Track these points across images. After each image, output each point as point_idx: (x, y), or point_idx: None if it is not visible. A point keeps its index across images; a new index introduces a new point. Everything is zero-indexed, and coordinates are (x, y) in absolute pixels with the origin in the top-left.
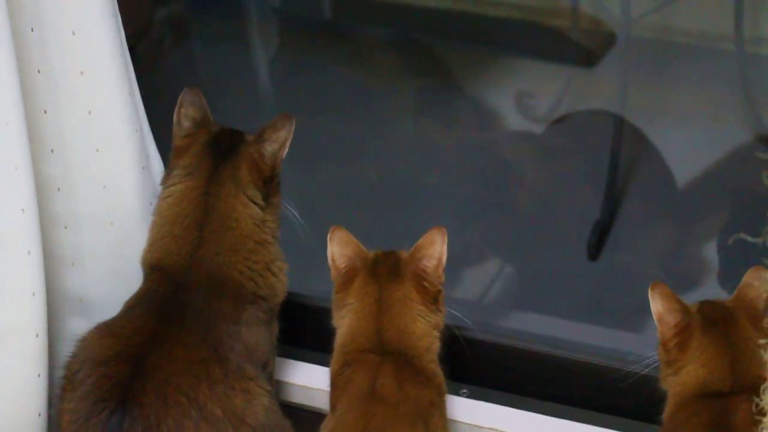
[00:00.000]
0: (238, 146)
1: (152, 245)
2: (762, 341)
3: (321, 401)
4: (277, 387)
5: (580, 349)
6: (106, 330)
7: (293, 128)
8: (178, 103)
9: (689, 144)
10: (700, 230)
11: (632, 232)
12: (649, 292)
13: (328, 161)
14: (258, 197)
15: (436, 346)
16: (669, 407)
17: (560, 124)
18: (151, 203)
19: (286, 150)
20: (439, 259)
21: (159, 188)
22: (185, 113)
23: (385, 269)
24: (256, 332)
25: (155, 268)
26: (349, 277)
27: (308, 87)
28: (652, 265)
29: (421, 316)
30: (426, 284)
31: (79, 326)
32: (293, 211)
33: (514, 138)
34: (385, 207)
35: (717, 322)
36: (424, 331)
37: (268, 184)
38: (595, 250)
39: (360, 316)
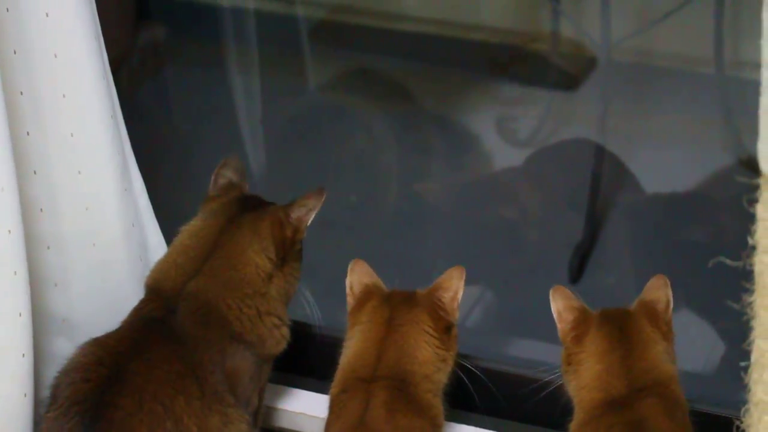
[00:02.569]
0: (266, 205)
1: (154, 271)
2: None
3: (310, 427)
4: (266, 413)
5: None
6: (92, 342)
7: (323, 200)
8: (220, 164)
9: (670, 167)
10: (679, 252)
11: (613, 254)
12: (551, 293)
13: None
14: (272, 252)
15: (438, 378)
16: (577, 416)
17: (541, 148)
18: (133, 225)
19: (312, 217)
20: (455, 293)
21: (141, 210)
22: (224, 173)
23: (399, 297)
24: (241, 368)
25: (151, 290)
26: (363, 300)
27: (288, 112)
28: (633, 287)
29: (427, 343)
30: (441, 313)
31: (62, 347)
32: (308, 297)
33: (495, 161)
34: (365, 231)
35: (613, 319)
36: (427, 357)
37: (289, 247)
38: (576, 272)
39: (366, 337)
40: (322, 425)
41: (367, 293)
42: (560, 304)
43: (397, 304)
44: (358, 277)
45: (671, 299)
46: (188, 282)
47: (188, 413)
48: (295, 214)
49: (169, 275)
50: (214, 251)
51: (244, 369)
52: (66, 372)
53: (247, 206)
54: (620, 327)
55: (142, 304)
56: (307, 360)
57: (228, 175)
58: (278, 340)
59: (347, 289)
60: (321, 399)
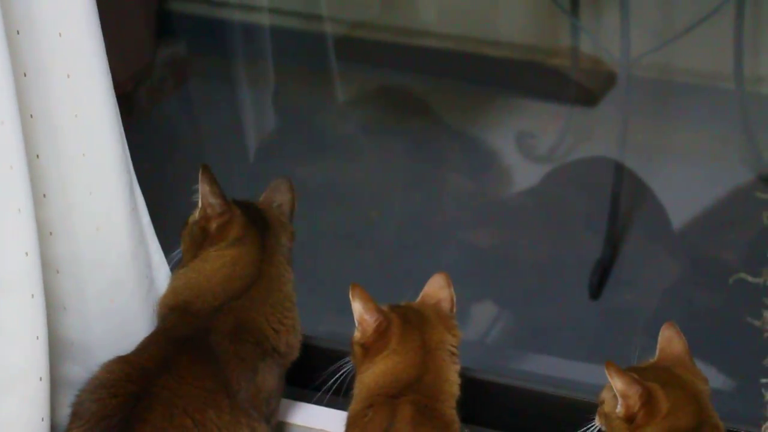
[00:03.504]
0: (264, 215)
1: (176, 292)
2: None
3: None
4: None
5: (583, 389)
6: (117, 361)
7: (294, 188)
8: (204, 180)
9: (689, 182)
10: (699, 269)
11: (633, 271)
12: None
13: (328, 201)
14: (291, 259)
15: (458, 393)
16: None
17: (560, 165)
18: (140, 244)
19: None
20: (452, 302)
21: (145, 228)
22: (211, 190)
23: (413, 316)
24: (270, 382)
25: (176, 310)
26: (382, 326)
27: (307, 128)
28: (654, 304)
29: (453, 363)
30: (453, 329)
31: (71, 370)
32: None
33: (514, 177)
34: (385, 247)
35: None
36: (455, 378)
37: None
38: (596, 289)
39: (404, 360)
40: None
41: (385, 319)
42: (620, 384)
43: (421, 326)
44: (364, 303)
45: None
46: (228, 302)
47: (218, 426)
48: (287, 213)
49: (204, 299)
50: (260, 278)
51: (273, 382)
52: (90, 390)
53: (257, 224)
54: (683, 387)
55: (171, 323)
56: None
57: (217, 191)
58: (300, 345)
59: (357, 317)
60: (321, 411)
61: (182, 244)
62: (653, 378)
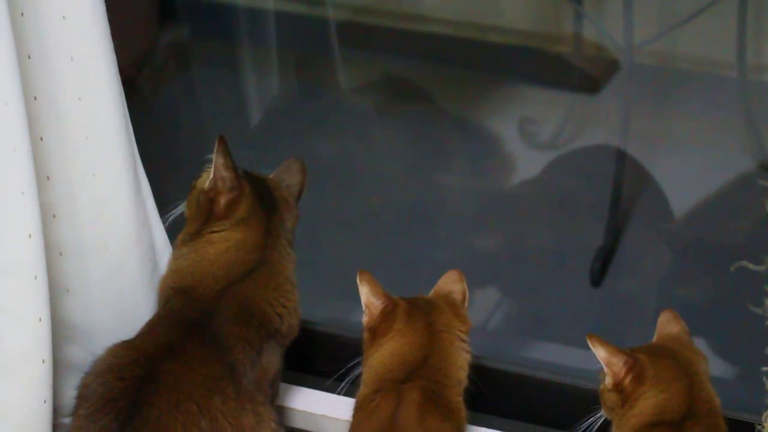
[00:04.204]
0: (273, 195)
1: (180, 274)
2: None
3: (322, 427)
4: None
5: (584, 376)
6: (123, 345)
7: (305, 170)
8: (219, 152)
9: (691, 170)
10: (701, 257)
11: (635, 258)
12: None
13: (330, 187)
14: (293, 241)
15: (465, 380)
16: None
17: (562, 154)
18: (143, 227)
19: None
20: (464, 295)
21: (149, 212)
22: (225, 163)
23: (424, 303)
24: (274, 363)
25: (180, 293)
26: (389, 308)
27: (310, 113)
28: (655, 291)
29: (461, 348)
30: (462, 317)
31: (74, 353)
32: None
33: (517, 164)
34: (388, 234)
35: (664, 354)
36: (462, 363)
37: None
38: (598, 276)
39: (408, 341)
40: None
41: (392, 302)
42: (369, 290)
43: (429, 310)
44: (372, 287)
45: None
46: (232, 285)
47: (223, 412)
48: (295, 195)
49: (207, 283)
50: (263, 264)
51: (275, 364)
52: (96, 373)
53: (265, 203)
54: (676, 361)
55: (174, 306)
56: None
57: (230, 163)
58: (299, 325)
59: (364, 300)
60: (320, 396)
61: (187, 209)
62: (644, 351)
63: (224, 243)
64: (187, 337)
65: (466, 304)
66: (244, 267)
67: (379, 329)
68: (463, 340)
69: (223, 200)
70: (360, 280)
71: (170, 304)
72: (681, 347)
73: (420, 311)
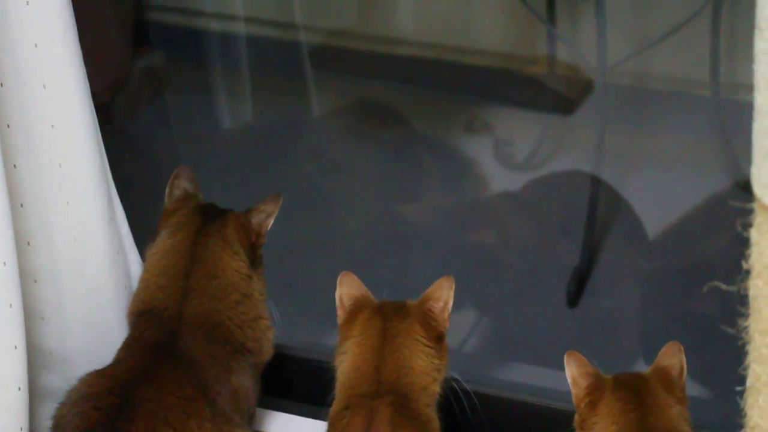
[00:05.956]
0: (226, 212)
1: (138, 296)
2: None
3: None
4: None
5: (562, 398)
6: (97, 374)
7: (279, 205)
8: (173, 175)
9: (666, 190)
10: (675, 277)
11: (611, 278)
12: (565, 359)
13: (305, 211)
14: (243, 255)
15: (434, 389)
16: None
17: (536, 178)
18: (118, 253)
19: (271, 222)
20: (446, 303)
21: (123, 237)
22: (178, 184)
23: (391, 307)
24: (245, 382)
25: (142, 316)
26: (354, 312)
27: (284, 137)
28: (631, 312)
29: (422, 353)
30: (432, 323)
31: (49, 380)
32: (272, 306)
33: (492, 185)
34: (363, 257)
35: (627, 384)
36: (423, 368)
37: (252, 252)
38: (574, 297)
39: (362, 350)
40: None
41: (358, 305)
42: (575, 370)
43: (389, 314)
44: (347, 289)
45: (685, 365)
46: (181, 302)
47: None
48: (255, 219)
49: (157, 297)
50: (193, 265)
51: (247, 383)
52: (71, 403)
53: (208, 215)
54: (635, 391)
55: (140, 330)
56: (285, 382)
57: (182, 185)
58: (271, 343)
59: (337, 302)
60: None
61: None
62: (618, 378)
63: (159, 251)
64: (158, 359)
65: (446, 313)
66: (177, 269)
67: (342, 331)
68: (427, 345)
69: (165, 209)
70: (339, 282)
71: (136, 329)
72: (658, 380)
73: (379, 316)
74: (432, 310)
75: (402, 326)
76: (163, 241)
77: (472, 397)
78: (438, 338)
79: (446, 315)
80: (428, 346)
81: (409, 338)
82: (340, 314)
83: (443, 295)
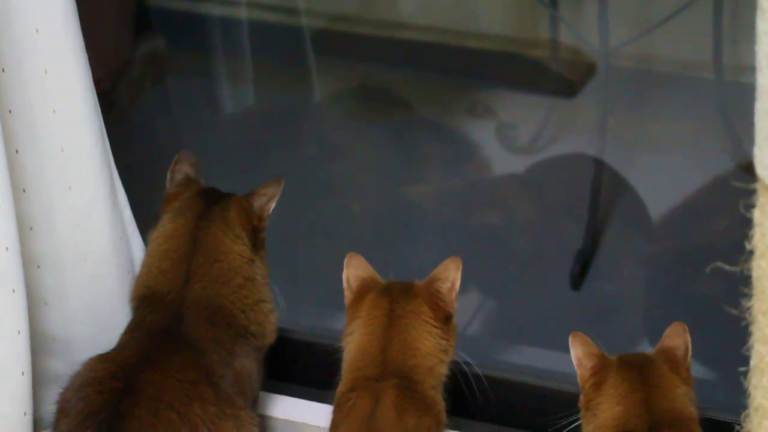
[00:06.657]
0: (228, 196)
1: (140, 280)
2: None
3: None
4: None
5: (566, 380)
6: (100, 358)
7: (281, 188)
8: (174, 160)
9: (669, 172)
10: (679, 258)
11: (614, 261)
12: (570, 339)
13: (308, 195)
14: (245, 238)
15: (441, 371)
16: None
17: (539, 161)
18: (121, 238)
19: (273, 205)
20: (453, 283)
21: (126, 223)
22: (179, 169)
23: (398, 288)
24: (248, 366)
25: (145, 300)
26: (361, 293)
27: (286, 121)
28: (634, 294)
29: (429, 334)
30: (439, 303)
31: (52, 366)
32: (275, 290)
33: (495, 168)
34: (367, 241)
35: (632, 364)
36: (430, 349)
37: (255, 235)
38: (577, 280)
39: (368, 331)
40: (297, 430)
41: (365, 286)
42: (580, 351)
43: (395, 295)
44: (354, 270)
45: (690, 345)
46: (184, 286)
47: (203, 419)
48: (257, 203)
49: (160, 281)
50: (195, 249)
51: (251, 367)
52: (75, 388)
53: (210, 199)
54: (640, 371)
55: (143, 315)
56: (289, 365)
57: (184, 169)
58: (274, 326)
59: (344, 283)
60: (302, 404)
61: None
62: (623, 359)
63: (161, 235)
64: (161, 344)
65: (453, 293)
66: (179, 253)
67: (349, 311)
68: (434, 326)
69: (166, 194)
70: (346, 263)
71: (139, 313)
72: (663, 360)
73: (385, 297)
74: (439, 291)
75: (409, 307)
76: (165, 226)
77: (482, 380)
78: (446, 319)
79: (453, 295)
80: (436, 327)
81: (416, 319)
82: (347, 295)
83: (450, 275)
